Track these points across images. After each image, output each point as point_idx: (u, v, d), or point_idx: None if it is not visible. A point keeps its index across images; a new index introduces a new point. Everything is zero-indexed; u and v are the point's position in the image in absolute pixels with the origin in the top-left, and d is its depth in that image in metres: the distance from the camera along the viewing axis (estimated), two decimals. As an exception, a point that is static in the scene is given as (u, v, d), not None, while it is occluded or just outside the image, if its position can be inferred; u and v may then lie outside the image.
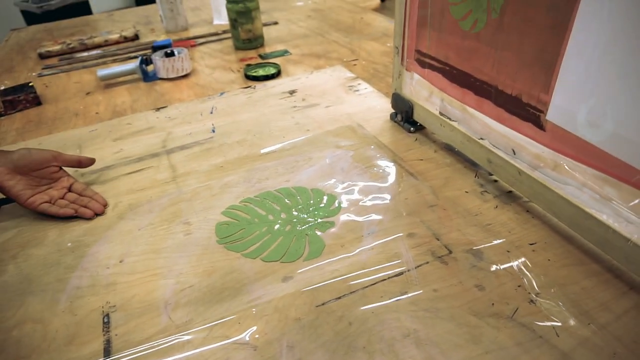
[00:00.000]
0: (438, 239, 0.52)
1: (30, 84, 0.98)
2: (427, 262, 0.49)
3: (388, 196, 0.59)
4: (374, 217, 0.56)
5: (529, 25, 0.47)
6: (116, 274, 0.51)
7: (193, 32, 1.37)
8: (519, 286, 0.45)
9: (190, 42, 1.25)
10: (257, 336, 0.43)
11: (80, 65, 1.17)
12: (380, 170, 0.65)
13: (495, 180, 0.61)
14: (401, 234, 0.53)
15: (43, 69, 1.17)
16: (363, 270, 0.49)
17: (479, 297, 0.45)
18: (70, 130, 0.84)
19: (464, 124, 0.62)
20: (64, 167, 0.65)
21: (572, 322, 0.41)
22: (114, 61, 1.18)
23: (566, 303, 0.43)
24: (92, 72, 1.12)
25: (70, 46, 1.27)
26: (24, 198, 0.59)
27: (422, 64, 0.68)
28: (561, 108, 0.47)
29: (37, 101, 0.96)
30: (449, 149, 0.68)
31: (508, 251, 0.50)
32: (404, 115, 0.74)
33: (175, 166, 0.70)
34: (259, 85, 0.96)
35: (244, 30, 1.15)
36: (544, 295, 0.44)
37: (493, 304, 0.44)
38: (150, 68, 1.06)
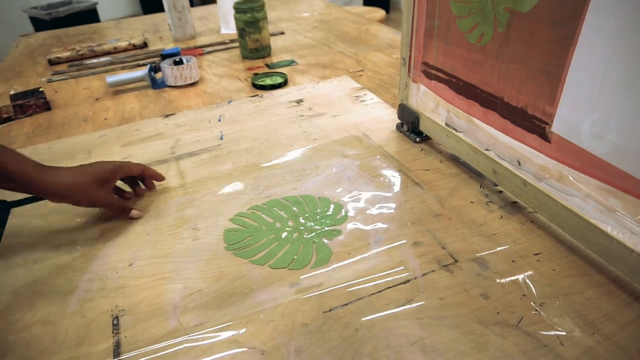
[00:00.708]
0: (444, 248, 0.52)
1: (40, 89, 1.00)
2: (433, 271, 0.50)
3: (394, 205, 0.60)
4: (380, 225, 0.57)
5: (534, 38, 0.48)
6: (125, 278, 0.52)
7: (201, 40, 1.38)
8: (523, 295, 0.46)
9: (198, 51, 1.27)
10: (264, 341, 0.43)
11: (90, 71, 1.19)
12: (386, 180, 0.65)
13: (501, 191, 0.61)
14: (407, 243, 0.54)
15: (53, 74, 1.19)
16: (369, 277, 0.49)
17: (484, 306, 0.45)
18: (80, 135, 0.85)
19: (469, 135, 0.63)
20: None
21: (576, 332, 0.42)
22: (123, 68, 1.20)
23: (571, 313, 0.44)
24: (101, 78, 1.13)
25: (80, 53, 1.28)
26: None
27: (429, 76, 0.69)
28: (566, 120, 0.48)
29: (46, 106, 0.97)
30: (454, 160, 0.69)
31: (513, 261, 0.50)
32: (410, 125, 0.74)
33: (183, 172, 0.71)
34: (266, 94, 0.97)
35: (252, 39, 1.16)
36: (549, 305, 0.45)
37: (498, 312, 0.44)
38: (158, 75, 1.07)
